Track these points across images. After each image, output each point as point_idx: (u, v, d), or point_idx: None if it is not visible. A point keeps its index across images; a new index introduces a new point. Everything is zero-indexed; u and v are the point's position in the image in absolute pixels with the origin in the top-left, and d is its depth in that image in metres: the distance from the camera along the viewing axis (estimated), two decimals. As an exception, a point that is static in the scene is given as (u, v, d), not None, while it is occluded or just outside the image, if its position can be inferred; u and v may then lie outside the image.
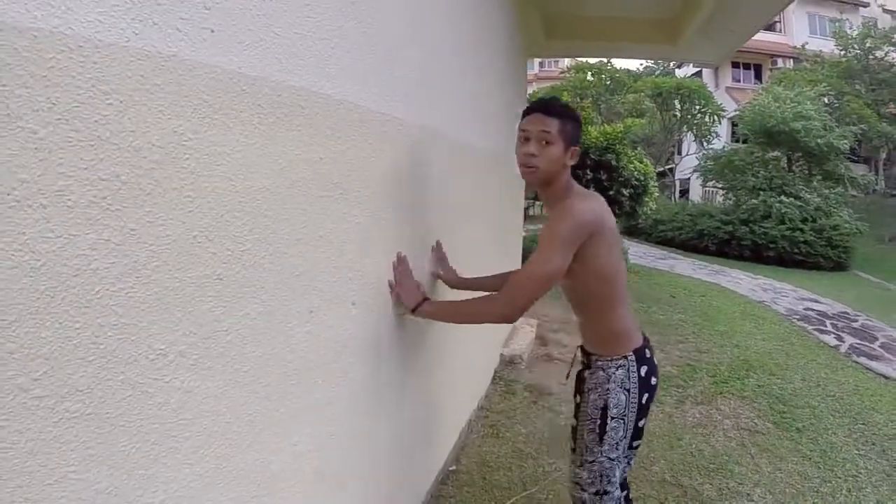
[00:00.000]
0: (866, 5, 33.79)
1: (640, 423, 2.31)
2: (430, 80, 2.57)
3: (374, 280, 2.04)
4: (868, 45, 26.44)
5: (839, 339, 8.08)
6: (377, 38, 1.89)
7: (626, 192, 11.48)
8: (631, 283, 10.70)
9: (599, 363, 2.26)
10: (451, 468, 3.63)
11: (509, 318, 2.09)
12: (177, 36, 1.05)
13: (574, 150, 2.19)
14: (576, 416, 2.36)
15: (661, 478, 3.78)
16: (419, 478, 3.08)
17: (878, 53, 26.57)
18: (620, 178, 11.37)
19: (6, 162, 0.79)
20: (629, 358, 2.23)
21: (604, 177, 11.20)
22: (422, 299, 2.28)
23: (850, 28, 28.18)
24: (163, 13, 1.02)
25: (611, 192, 11.24)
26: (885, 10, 32.76)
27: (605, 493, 2.28)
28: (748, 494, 3.70)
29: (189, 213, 1.10)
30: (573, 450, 2.37)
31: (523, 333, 6.15)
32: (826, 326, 8.77)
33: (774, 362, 6.49)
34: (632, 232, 21.62)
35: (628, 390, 2.22)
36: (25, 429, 0.85)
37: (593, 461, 2.26)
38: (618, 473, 2.30)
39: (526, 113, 2.22)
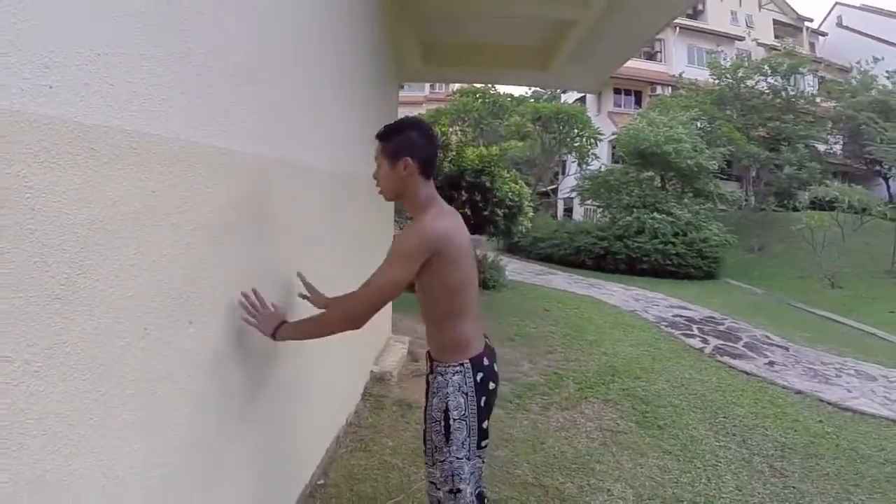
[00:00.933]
0: (741, 39, 36.07)
1: (484, 425, 2.49)
2: (275, 110, 2.70)
3: (212, 301, 2.15)
4: (740, 74, 28.49)
5: (704, 341, 8.63)
6: (213, 78, 2.04)
7: (500, 212, 11.89)
8: (506, 298, 10.93)
9: (440, 369, 2.45)
10: (318, 482, 3.71)
11: (354, 326, 2.27)
12: (20, 94, 1.22)
13: (405, 162, 2.35)
14: (424, 419, 2.53)
15: (524, 480, 3.96)
16: (283, 491, 3.17)
17: (749, 82, 28.66)
18: (495, 199, 11.79)
19: None
20: (465, 365, 2.41)
21: (478, 198, 11.57)
22: (279, 323, 2.41)
23: (725, 59, 30.17)
24: (9, 75, 1.19)
25: (486, 213, 11.67)
26: (759, 44, 35.31)
27: (458, 490, 2.44)
28: (608, 490, 3.91)
29: (30, 243, 1.26)
30: (425, 451, 2.53)
31: (395, 350, 6.26)
32: (693, 331, 9.33)
33: (640, 366, 6.84)
34: (512, 249, 22.35)
35: (466, 394, 2.40)
36: None
37: (443, 460, 2.43)
38: (467, 471, 2.45)
39: None
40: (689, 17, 34.53)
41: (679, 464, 4.38)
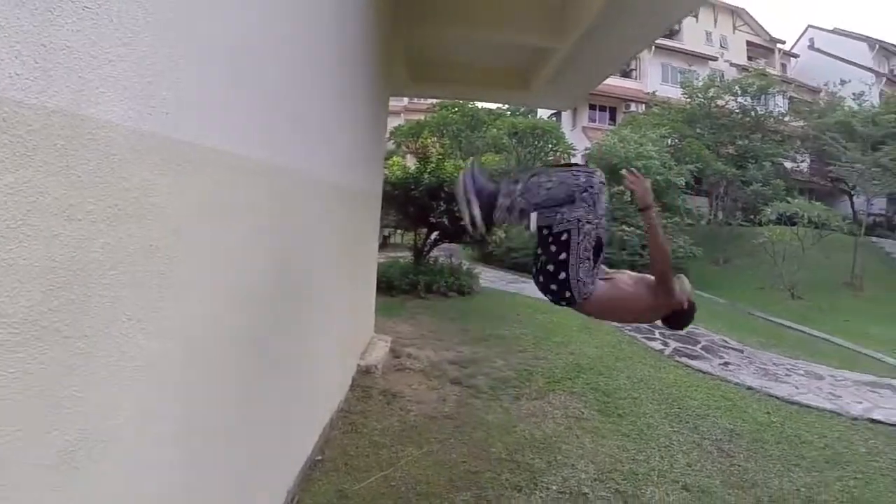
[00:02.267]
0: (715, 59, 36.97)
1: None
2: (300, 130, 3.25)
3: (254, 281, 2.69)
4: (711, 94, 29.24)
5: (665, 344, 9.09)
6: (271, 106, 2.62)
7: (477, 222, 12.19)
8: (480, 303, 11.39)
9: None
10: (317, 458, 4.16)
11: (661, 274, 2.93)
12: (144, 118, 1.59)
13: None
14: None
15: (498, 456, 4.46)
16: (285, 465, 3.59)
17: (720, 102, 29.41)
18: (471, 210, 12.10)
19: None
20: None
21: (456, 209, 11.74)
22: (648, 205, 2.98)
23: (698, 79, 30.95)
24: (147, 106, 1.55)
25: (462, 223, 11.89)
26: (732, 64, 36.20)
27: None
28: (573, 465, 4.41)
29: (146, 230, 1.73)
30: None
31: (378, 347, 6.70)
32: (654, 335, 9.69)
33: (604, 365, 7.28)
34: (486, 259, 22.62)
35: None
36: None
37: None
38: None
39: None
40: (665, 36, 34.77)
41: (636, 445, 4.87)
